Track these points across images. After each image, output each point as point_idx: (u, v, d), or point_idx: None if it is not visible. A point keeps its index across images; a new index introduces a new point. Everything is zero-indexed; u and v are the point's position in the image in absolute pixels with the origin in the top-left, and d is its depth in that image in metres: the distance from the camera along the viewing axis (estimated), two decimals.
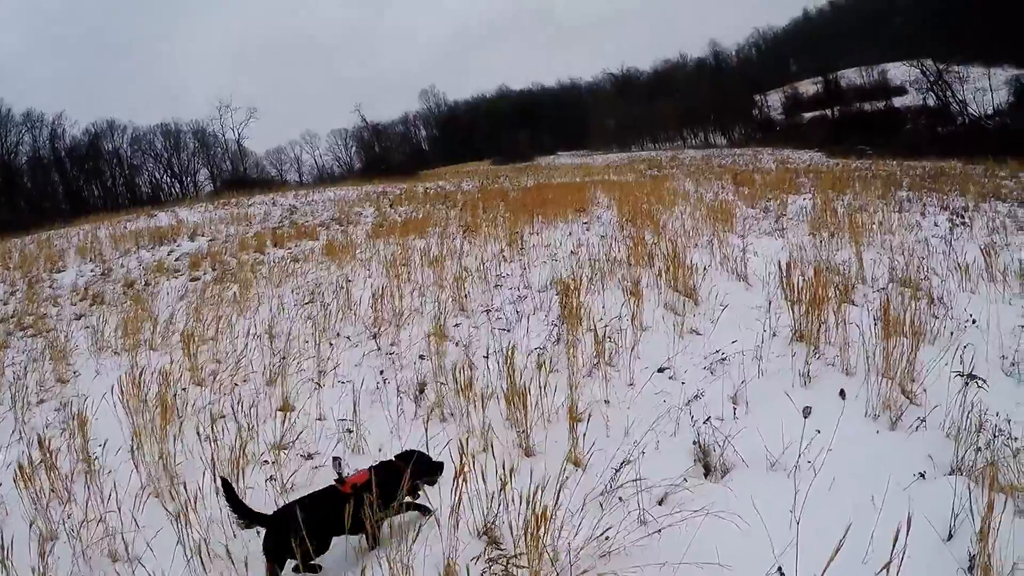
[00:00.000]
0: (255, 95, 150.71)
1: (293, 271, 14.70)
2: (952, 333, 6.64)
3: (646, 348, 7.28)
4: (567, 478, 4.80)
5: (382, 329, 9.15)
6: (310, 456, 5.97)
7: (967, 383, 4.68)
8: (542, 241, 14.02)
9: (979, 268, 8.64)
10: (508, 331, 8.33)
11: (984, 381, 4.64)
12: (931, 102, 53.70)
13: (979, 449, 4.47)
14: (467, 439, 4.99)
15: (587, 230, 15.22)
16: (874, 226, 12.22)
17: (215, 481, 4.85)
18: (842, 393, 5.14)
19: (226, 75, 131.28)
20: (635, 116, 77.84)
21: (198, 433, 6.01)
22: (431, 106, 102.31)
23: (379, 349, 8.43)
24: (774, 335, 6.99)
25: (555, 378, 6.45)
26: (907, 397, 5.51)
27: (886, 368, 5.73)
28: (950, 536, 3.98)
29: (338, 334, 9.39)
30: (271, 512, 4.37)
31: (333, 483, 4.46)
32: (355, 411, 6.23)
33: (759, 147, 57.70)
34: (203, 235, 23.05)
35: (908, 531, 3.17)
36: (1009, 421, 4.63)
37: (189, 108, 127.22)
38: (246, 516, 4.26)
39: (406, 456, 4.59)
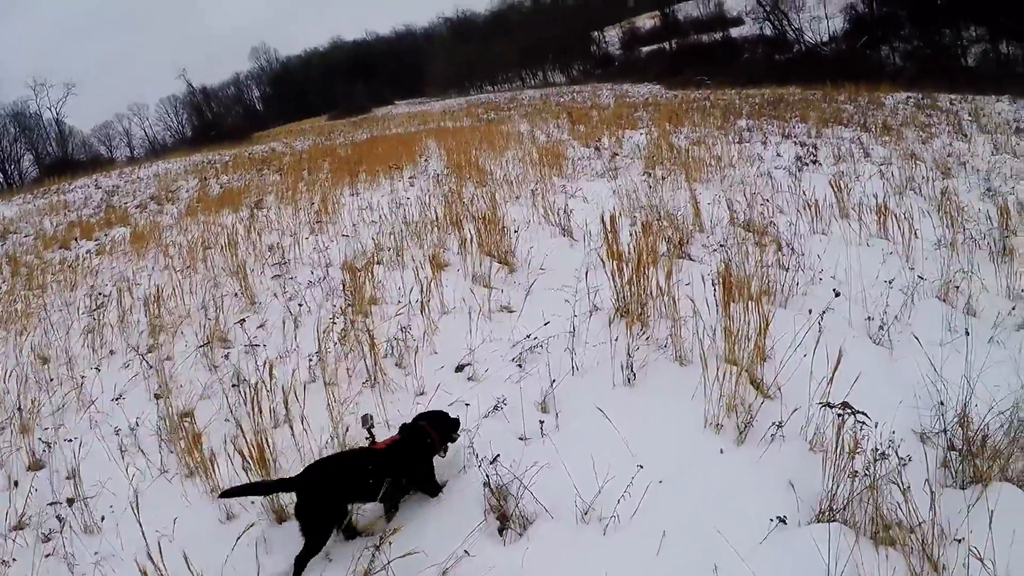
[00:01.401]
0: (75, 70, 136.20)
1: (92, 268, 12.02)
2: (806, 293, 5.44)
3: (445, 338, 5.74)
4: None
5: (156, 341, 6.97)
6: (47, 538, 4.17)
7: (842, 415, 3.33)
8: (359, 204, 12.17)
9: (830, 205, 7.55)
10: (259, 346, 6.25)
11: (866, 417, 3.29)
12: (768, 31, 53.85)
13: (855, 475, 3.20)
14: None
15: (411, 186, 13.50)
16: (713, 161, 11.09)
17: None
18: None
19: (42, 51, 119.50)
20: (472, 59, 75.34)
21: None
22: (263, 64, 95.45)
23: (151, 368, 6.26)
24: (594, 311, 5.60)
25: (327, 395, 4.86)
26: (759, 390, 4.25)
27: (729, 350, 4.44)
28: None
29: (111, 352, 7.11)
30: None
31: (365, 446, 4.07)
32: (76, 479, 4.43)
33: (598, 83, 56.51)
34: (15, 232, 19.63)
35: None
36: (894, 439, 3.35)
37: (5, 90, 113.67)
38: (268, 490, 3.93)
39: (429, 416, 4.22)
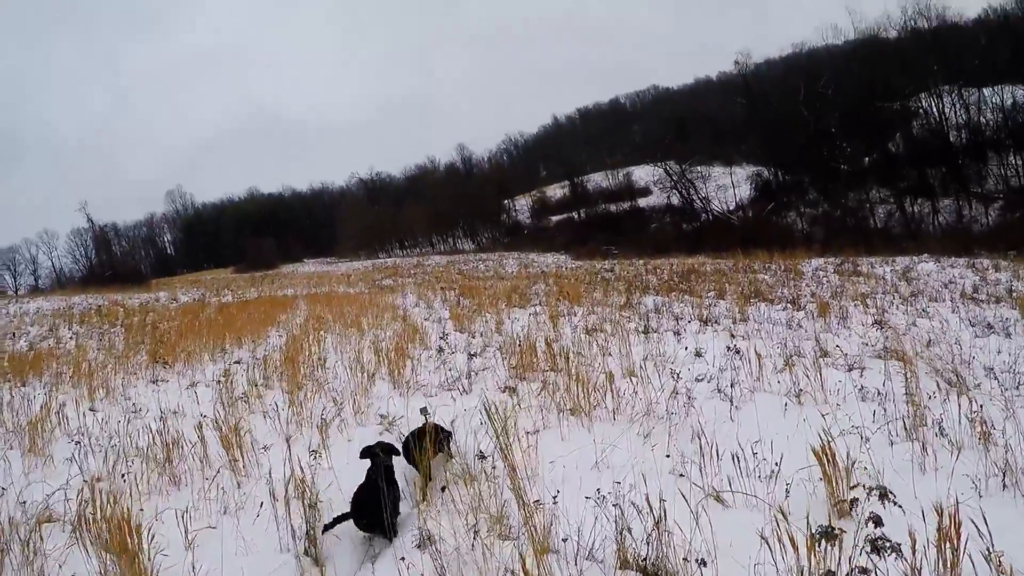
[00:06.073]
0: None
1: None
2: None
3: None
4: None
5: None
6: None
7: None
8: (135, 406, 8.19)
9: (812, 496, 4.07)
10: None
11: None
12: (675, 201, 55.03)
13: None
14: None
15: (223, 376, 9.54)
16: (609, 355, 7.70)
17: None
18: None
19: None
20: (384, 222, 74.78)
21: None
22: (178, 208, 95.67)
23: None
24: None
25: None
26: None
27: None
28: None
29: None
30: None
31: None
32: None
33: (506, 251, 56.22)
34: None
35: None
36: None
37: None
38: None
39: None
